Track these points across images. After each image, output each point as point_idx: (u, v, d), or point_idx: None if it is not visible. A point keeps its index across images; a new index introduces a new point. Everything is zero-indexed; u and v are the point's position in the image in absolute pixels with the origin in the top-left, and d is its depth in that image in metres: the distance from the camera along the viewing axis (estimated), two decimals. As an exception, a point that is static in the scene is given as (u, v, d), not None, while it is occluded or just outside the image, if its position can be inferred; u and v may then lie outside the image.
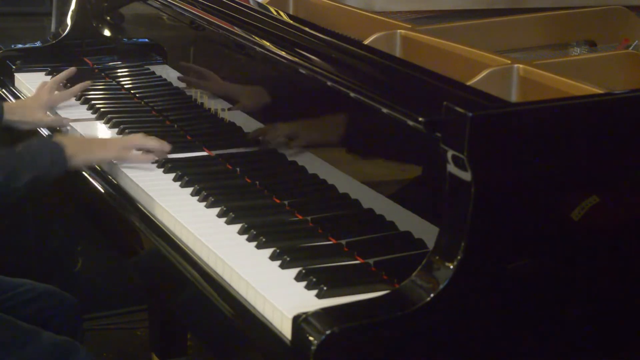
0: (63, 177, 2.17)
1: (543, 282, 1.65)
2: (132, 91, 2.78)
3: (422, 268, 1.60)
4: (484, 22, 2.34)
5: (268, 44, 2.17)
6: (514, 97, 1.94)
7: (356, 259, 1.80)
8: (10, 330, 2.14)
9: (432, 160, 1.76)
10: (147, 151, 2.25)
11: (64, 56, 2.99)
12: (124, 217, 2.15)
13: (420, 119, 1.68)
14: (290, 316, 1.58)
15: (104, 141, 2.31)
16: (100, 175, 2.28)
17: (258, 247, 1.85)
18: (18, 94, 2.80)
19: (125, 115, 2.59)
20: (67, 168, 2.16)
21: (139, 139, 2.27)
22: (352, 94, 1.88)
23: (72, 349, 2.16)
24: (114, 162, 2.25)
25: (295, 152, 2.13)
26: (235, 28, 2.30)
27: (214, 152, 2.32)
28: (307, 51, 2.07)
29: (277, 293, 1.68)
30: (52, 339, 2.16)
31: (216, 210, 2.00)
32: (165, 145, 2.26)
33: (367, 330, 1.54)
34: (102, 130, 2.51)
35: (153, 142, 2.26)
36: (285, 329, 1.61)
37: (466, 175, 1.56)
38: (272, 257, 1.80)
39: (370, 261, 1.78)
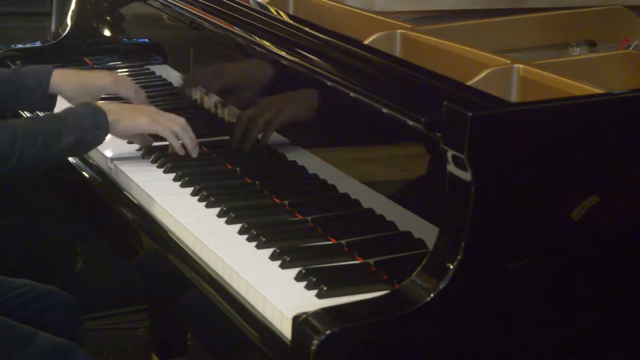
0: (63, 177, 2.17)
1: (543, 282, 1.65)
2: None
3: (422, 268, 1.60)
4: (484, 22, 2.34)
5: (268, 44, 2.18)
6: (514, 97, 1.94)
7: (356, 259, 1.80)
8: (7, 333, 2.14)
9: (432, 160, 1.76)
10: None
11: (64, 56, 2.99)
12: (123, 217, 2.15)
13: (420, 119, 1.68)
14: (290, 316, 1.58)
15: (148, 112, 2.25)
16: (100, 175, 2.28)
17: (258, 247, 1.85)
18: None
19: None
20: (108, 133, 2.14)
21: (183, 122, 2.22)
22: (352, 94, 1.88)
23: (70, 351, 2.16)
24: (115, 162, 2.26)
25: (295, 152, 2.13)
26: (235, 28, 2.30)
27: (214, 152, 2.32)
28: (307, 51, 2.07)
29: (277, 293, 1.68)
30: (50, 341, 2.15)
31: (216, 210, 2.00)
32: (197, 148, 2.24)
33: (367, 330, 1.54)
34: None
35: (189, 140, 2.22)
36: (285, 329, 1.61)
37: (466, 175, 1.56)
38: (272, 257, 1.80)
39: (370, 261, 1.78)
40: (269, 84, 2.27)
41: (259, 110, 2.24)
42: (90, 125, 2.10)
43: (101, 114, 2.12)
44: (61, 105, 2.32)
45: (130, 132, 2.23)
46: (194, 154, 2.22)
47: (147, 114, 2.22)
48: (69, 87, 2.39)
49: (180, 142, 2.21)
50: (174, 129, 2.20)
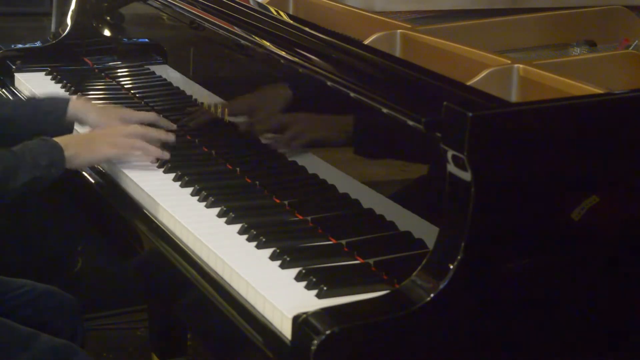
0: (63, 177, 2.17)
1: (543, 282, 1.65)
2: (132, 91, 2.79)
3: (422, 268, 1.60)
4: (484, 22, 2.34)
5: (268, 44, 2.17)
6: (514, 97, 1.94)
7: (356, 259, 1.80)
8: (8, 334, 2.14)
9: (432, 160, 1.76)
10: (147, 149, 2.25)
11: (64, 56, 2.99)
12: (123, 217, 2.15)
13: (420, 119, 1.68)
14: (290, 316, 1.58)
15: (104, 137, 2.26)
16: (100, 175, 2.28)
17: (258, 247, 1.85)
18: (18, 94, 2.80)
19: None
20: (64, 169, 2.14)
21: (140, 130, 2.25)
22: (352, 94, 1.88)
23: (71, 353, 2.16)
24: (115, 162, 2.26)
25: (295, 152, 2.13)
26: (235, 28, 2.30)
27: (214, 152, 2.32)
28: (307, 51, 2.07)
29: (277, 293, 1.68)
30: (51, 342, 2.15)
31: (216, 210, 2.00)
32: (169, 135, 2.28)
33: (367, 330, 1.54)
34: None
35: (154, 132, 2.26)
36: (285, 329, 1.61)
37: (466, 175, 1.56)
38: (272, 257, 1.80)
39: (370, 261, 1.78)
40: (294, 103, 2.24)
41: (290, 132, 2.19)
42: (47, 162, 2.10)
43: (58, 149, 2.13)
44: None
45: (92, 163, 2.25)
46: (171, 139, 2.28)
47: (104, 140, 2.23)
48: (87, 109, 2.42)
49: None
50: (135, 144, 2.22)
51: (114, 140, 2.23)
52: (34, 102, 2.45)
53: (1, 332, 2.13)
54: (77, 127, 2.43)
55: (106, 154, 2.22)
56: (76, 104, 2.41)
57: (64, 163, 2.13)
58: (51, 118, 2.38)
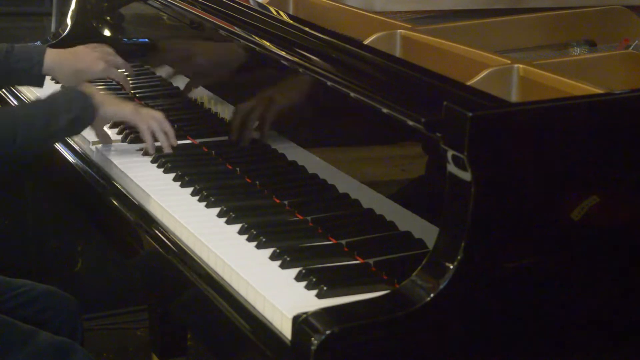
0: (63, 177, 2.18)
1: (543, 282, 1.65)
2: (132, 91, 2.78)
3: (422, 268, 1.60)
4: (484, 22, 2.34)
5: (268, 44, 2.18)
6: (514, 97, 1.94)
7: (356, 259, 1.80)
8: (8, 330, 2.14)
9: (432, 160, 1.76)
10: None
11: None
12: (123, 217, 2.15)
13: (420, 119, 1.68)
14: (290, 316, 1.58)
15: (130, 103, 2.35)
16: (100, 175, 2.28)
17: (258, 247, 1.85)
18: (18, 94, 2.80)
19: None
20: (96, 114, 2.22)
21: (160, 126, 2.29)
22: (352, 94, 1.88)
23: (71, 350, 2.16)
24: (115, 162, 2.26)
25: (295, 152, 2.13)
26: (235, 28, 2.30)
27: (214, 152, 2.32)
28: (307, 51, 2.07)
29: (277, 293, 1.68)
30: (51, 339, 2.16)
31: (216, 210, 2.00)
32: (173, 140, 2.30)
33: (367, 330, 1.54)
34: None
35: (163, 138, 2.29)
36: (285, 329, 1.61)
37: (466, 175, 1.56)
38: (272, 257, 1.80)
39: (370, 261, 1.78)
40: (260, 79, 2.27)
41: (254, 104, 2.26)
42: (81, 106, 2.19)
43: (88, 96, 2.21)
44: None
45: (113, 117, 2.32)
46: (167, 150, 2.28)
47: (130, 104, 2.33)
48: (61, 73, 2.51)
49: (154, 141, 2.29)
50: (152, 125, 2.28)
51: (138, 108, 2.31)
52: (8, 61, 2.46)
53: (1, 329, 2.13)
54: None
55: (130, 116, 2.29)
56: (49, 58, 2.46)
57: (95, 108, 2.21)
58: (25, 77, 2.48)
